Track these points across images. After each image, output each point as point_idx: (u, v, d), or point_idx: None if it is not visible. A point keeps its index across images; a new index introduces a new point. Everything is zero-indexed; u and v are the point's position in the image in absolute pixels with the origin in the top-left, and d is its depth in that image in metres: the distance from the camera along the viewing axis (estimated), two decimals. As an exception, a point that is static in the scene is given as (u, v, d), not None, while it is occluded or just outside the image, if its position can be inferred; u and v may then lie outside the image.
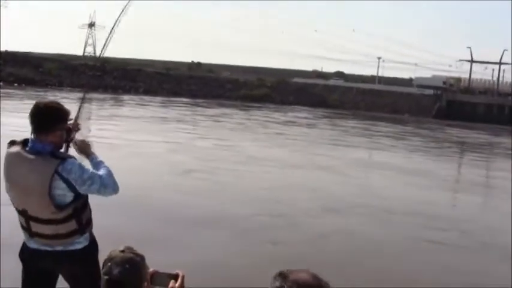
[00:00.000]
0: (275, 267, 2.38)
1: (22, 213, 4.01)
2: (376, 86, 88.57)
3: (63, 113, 4.04)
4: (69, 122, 4.16)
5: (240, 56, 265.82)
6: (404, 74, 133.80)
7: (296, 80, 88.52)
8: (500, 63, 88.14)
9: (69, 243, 4.01)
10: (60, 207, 3.89)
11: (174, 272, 2.87)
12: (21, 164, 3.92)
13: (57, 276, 4.26)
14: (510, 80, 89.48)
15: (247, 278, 7.75)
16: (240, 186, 15.88)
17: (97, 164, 4.15)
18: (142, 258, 2.73)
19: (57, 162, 3.86)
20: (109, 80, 72.78)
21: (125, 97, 58.77)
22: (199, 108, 52.38)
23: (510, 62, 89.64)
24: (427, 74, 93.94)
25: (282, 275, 2.14)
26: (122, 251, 2.70)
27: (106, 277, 2.64)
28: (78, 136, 4.29)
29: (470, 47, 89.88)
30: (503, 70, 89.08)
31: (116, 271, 2.62)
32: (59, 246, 4.01)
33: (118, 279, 2.62)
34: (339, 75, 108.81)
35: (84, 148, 4.25)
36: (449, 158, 31.32)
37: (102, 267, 2.68)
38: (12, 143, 4.06)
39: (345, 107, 75.66)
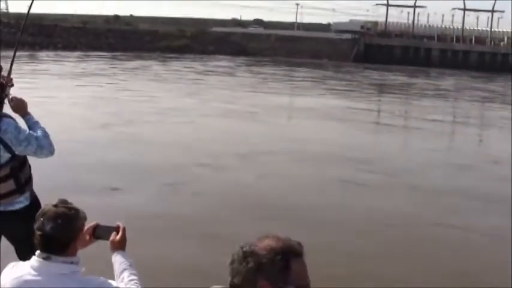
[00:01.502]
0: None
1: None
2: (295, 32, 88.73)
3: None
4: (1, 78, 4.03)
5: (158, 7, 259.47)
6: (323, 20, 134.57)
7: (215, 29, 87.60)
8: (415, 6, 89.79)
9: (9, 203, 3.93)
10: None
11: (114, 224, 2.87)
12: None
13: (0, 236, 4.19)
14: (425, 23, 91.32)
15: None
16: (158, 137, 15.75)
17: (33, 125, 4.04)
18: (76, 211, 2.66)
19: None
20: (25, 36, 70.00)
21: (42, 53, 56.88)
22: (117, 62, 51.18)
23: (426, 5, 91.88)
24: (345, 19, 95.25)
25: (248, 253, 1.87)
26: (55, 205, 2.62)
27: (39, 232, 2.59)
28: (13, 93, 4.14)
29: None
30: (418, 13, 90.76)
31: (48, 227, 2.57)
32: None
33: (50, 234, 2.56)
34: (258, 22, 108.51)
35: (21, 106, 4.12)
36: (370, 100, 31.99)
37: (35, 222, 2.61)
38: None
39: (264, 54, 75.64)
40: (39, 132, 3.97)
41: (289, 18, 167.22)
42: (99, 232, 2.84)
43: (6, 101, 4.07)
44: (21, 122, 4.08)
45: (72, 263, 2.62)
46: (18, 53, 4.64)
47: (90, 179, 10.34)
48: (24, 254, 3.85)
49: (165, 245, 7.34)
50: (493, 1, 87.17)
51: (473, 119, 25.51)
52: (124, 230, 2.85)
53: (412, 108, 28.78)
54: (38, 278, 2.56)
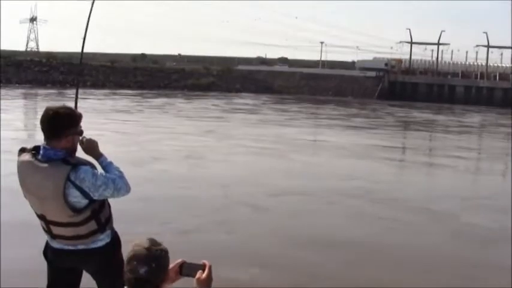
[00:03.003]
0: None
1: (41, 217, 4.03)
2: (320, 70, 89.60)
3: (74, 118, 3.97)
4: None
5: (184, 45, 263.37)
6: (347, 58, 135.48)
7: (240, 67, 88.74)
8: (438, 43, 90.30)
9: (91, 241, 4.04)
10: (77, 211, 3.90)
11: (200, 262, 2.88)
12: (34, 172, 3.89)
13: (81, 273, 4.31)
14: (449, 60, 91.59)
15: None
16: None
17: (107, 166, 4.09)
18: (166, 252, 2.70)
19: (69, 168, 3.83)
20: (56, 75, 71.97)
21: (70, 91, 57.98)
22: (144, 99, 52.13)
23: (449, 42, 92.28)
24: (369, 56, 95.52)
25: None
26: (147, 248, 2.63)
27: (131, 276, 2.61)
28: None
29: (409, 29, 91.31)
30: (442, 51, 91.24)
31: (142, 270, 2.59)
32: (81, 245, 4.04)
33: (144, 278, 2.60)
34: (283, 61, 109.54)
35: (92, 148, 4.15)
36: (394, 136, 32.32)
37: (127, 264, 2.64)
38: (22, 150, 4.02)
39: (289, 92, 76.41)
40: (114, 174, 4.03)
41: (313, 56, 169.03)
42: (186, 270, 2.87)
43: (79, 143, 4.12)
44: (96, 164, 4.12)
45: None
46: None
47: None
48: None
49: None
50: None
51: None
52: (210, 268, 2.84)
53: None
54: None
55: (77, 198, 3.87)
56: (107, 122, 28.48)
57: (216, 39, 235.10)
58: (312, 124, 37.01)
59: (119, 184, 3.98)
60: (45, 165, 3.85)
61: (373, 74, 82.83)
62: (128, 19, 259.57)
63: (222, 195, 13.06)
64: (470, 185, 17.68)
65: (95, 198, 3.92)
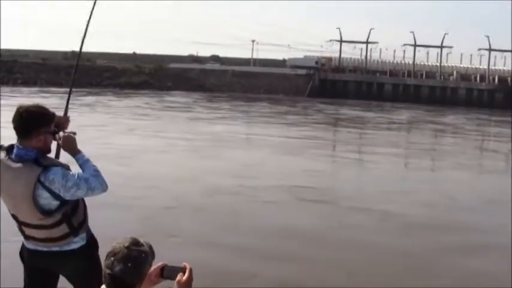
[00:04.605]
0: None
1: (14, 217, 3.95)
2: (251, 68, 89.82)
3: (45, 117, 3.89)
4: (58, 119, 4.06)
5: (115, 43, 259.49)
6: (279, 56, 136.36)
7: (173, 65, 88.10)
8: (367, 42, 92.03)
9: (64, 243, 3.94)
10: (47, 213, 3.80)
11: (181, 265, 2.85)
12: (5, 171, 3.79)
13: (58, 275, 4.21)
14: (377, 58, 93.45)
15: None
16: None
17: (83, 164, 3.96)
18: (146, 254, 2.69)
19: (39, 170, 3.74)
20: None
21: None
22: (75, 97, 50.93)
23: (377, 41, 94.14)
24: (299, 55, 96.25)
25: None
26: (127, 247, 2.63)
27: (108, 271, 2.61)
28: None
29: (339, 28, 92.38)
30: (371, 49, 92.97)
31: (117, 268, 2.59)
32: (55, 247, 3.94)
33: (118, 276, 2.59)
34: (215, 58, 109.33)
35: (69, 145, 4.02)
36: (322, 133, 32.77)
37: (105, 259, 2.64)
38: None
39: (222, 90, 76.40)
40: (88, 172, 3.90)
41: (245, 54, 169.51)
42: (167, 272, 2.85)
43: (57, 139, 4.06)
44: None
45: None
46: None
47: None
48: None
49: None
50: (442, 37, 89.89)
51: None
52: (191, 270, 2.82)
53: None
54: None
55: (46, 200, 3.77)
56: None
57: (147, 36, 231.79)
58: (242, 122, 37.13)
59: (93, 183, 3.85)
60: (17, 165, 3.77)
61: (303, 72, 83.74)
62: (60, 15, 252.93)
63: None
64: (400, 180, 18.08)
65: (67, 199, 3.81)
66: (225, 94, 71.27)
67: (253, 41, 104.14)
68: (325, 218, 11.75)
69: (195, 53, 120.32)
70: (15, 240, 4.54)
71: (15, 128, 3.82)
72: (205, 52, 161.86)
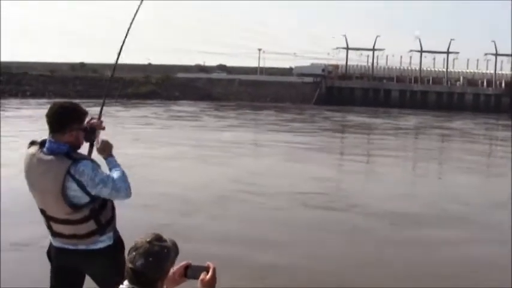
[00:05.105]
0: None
1: (42, 212, 4.04)
2: (258, 77, 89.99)
3: (78, 113, 4.05)
4: (92, 121, 4.20)
5: (123, 54, 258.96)
6: (285, 64, 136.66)
7: (180, 75, 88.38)
8: (373, 49, 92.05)
9: (91, 242, 4.01)
10: (75, 207, 3.89)
11: (205, 264, 2.86)
12: (37, 164, 3.93)
13: (85, 275, 4.27)
14: (384, 65, 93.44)
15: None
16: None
17: (113, 167, 4.11)
18: (168, 250, 2.70)
19: (70, 162, 3.86)
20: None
21: (6, 101, 56.67)
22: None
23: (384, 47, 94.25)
24: (306, 63, 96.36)
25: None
26: (149, 242, 2.65)
27: (130, 265, 2.64)
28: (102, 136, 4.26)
29: (345, 35, 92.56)
30: (377, 56, 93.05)
31: (138, 262, 2.61)
32: (81, 245, 4.02)
33: (140, 270, 2.62)
34: (221, 68, 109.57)
35: (105, 149, 4.17)
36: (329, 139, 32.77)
37: (128, 254, 2.68)
38: (32, 143, 4.07)
39: (229, 99, 76.56)
40: (116, 174, 4.02)
41: (252, 63, 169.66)
42: (191, 272, 2.86)
43: (95, 143, 4.22)
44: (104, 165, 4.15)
45: None
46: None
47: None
48: None
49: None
50: (448, 43, 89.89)
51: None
52: (214, 270, 2.83)
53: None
54: None
55: (75, 192, 3.87)
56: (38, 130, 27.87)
57: (155, 46, 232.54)
58: (249, 130, 37.20)
59: (119, 184, 3.96)
60: (49, 158, 3.90)
61: (310, 79, 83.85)
62: (64, 27, 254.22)
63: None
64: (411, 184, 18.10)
65: (92, 194, 3.90)
66: (232, 103, 71.36)
67: (259, 49, 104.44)
68: (335, 224, 11.80)
69: (201, 63, 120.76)
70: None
71: (50, 123, 3.97)
72: (211, 61, 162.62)
